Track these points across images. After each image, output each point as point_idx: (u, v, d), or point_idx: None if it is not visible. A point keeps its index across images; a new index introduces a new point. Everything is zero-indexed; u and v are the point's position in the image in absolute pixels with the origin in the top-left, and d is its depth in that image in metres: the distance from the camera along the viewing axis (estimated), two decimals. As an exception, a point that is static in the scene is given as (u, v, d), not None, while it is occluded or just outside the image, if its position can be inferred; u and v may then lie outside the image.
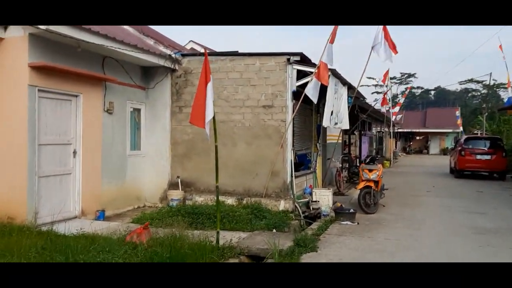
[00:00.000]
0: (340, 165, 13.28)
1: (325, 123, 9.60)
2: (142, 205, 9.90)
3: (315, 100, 8.97)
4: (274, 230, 7.64)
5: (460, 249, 6.42)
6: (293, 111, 9.17)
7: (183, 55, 9.95)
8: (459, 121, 40.53)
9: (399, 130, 43.33)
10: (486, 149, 17.19)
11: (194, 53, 11.07)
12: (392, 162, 28.05)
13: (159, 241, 5.76)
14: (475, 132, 35.67)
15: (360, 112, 18.15)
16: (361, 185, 9.61)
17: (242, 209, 8.36)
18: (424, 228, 7.96)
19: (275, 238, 6.67)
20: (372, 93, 67.73)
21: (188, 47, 13.72)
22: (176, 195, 9.45)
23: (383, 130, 31.81)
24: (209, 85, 5.91)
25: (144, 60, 9.06)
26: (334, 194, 12.57)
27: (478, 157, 17.10)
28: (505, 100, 24.56)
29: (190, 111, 6.25)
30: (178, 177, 9.77)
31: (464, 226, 8.18)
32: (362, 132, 21.86)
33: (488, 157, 16.99)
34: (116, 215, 8.81)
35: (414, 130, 48.31)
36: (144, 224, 6.51)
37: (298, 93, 9.24)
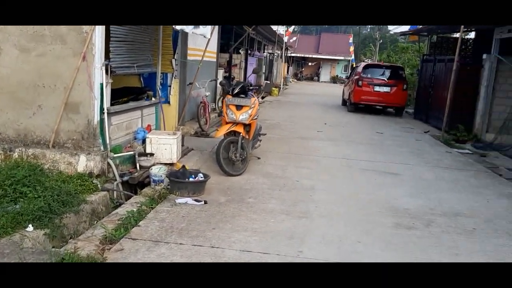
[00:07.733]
0: (207, 94, 9.43)
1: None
2: None
3: None
4: (30, 227, 3.77)
5: None
6: (104, -5, 4.96)
7: None
8: (352, 48, 38.85)
9: (292, 55, 40.61)
10: (386, 80, 14.62)
11: None
12: (281, 89, 25.17)
13: None
14: (365, 60, 34.22)
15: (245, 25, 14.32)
16: (223, 130, 5.95)
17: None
18: (314, 213, 4.66)
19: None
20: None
21: None
22: None
23: (275, 53, 28.48)
24: None
25: None
26: (196, 135, 8.95)
27: (377, 88, 14.52)
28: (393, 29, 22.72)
29: None
30: None
31: (376, 206, 5.02)
32: (249, 51, 18.11)
33: (387, 89, 14.49)
34: None
35: (307, 55, 46.01)
36: None
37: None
